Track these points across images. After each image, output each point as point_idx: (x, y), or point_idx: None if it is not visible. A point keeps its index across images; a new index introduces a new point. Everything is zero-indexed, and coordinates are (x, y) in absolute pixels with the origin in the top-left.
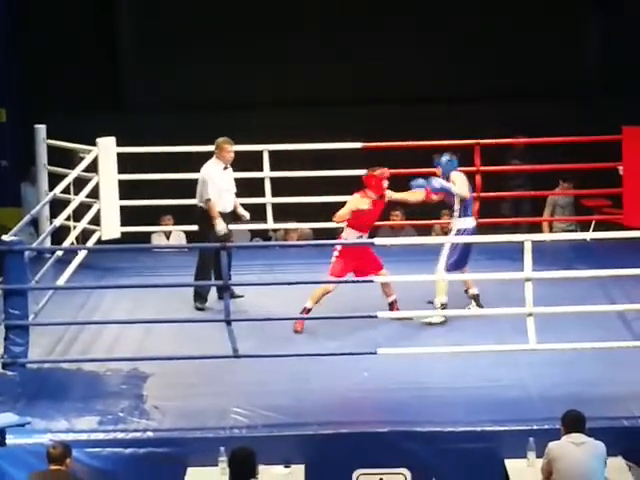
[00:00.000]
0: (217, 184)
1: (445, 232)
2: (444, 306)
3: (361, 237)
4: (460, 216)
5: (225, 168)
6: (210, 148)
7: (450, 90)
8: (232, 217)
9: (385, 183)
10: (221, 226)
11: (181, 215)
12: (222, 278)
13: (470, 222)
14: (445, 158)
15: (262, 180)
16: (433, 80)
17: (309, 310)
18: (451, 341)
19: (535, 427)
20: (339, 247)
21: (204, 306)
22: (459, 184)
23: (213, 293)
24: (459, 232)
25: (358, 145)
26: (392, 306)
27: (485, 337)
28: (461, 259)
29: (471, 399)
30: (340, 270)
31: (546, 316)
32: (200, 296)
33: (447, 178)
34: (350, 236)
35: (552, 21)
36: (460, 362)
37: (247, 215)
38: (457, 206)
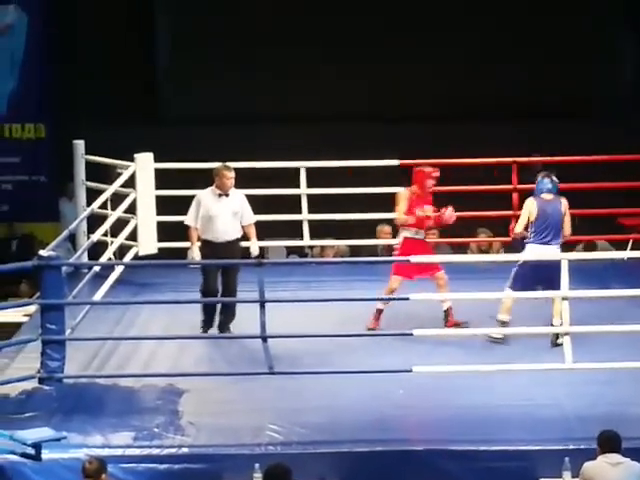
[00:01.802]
0: (204, 211)
1: (482, 251)
2: (504, 324)
3: (417, 233)
4: (532, 238)
5: (222, 195)
6: (250, 165)
7: (481, 107)
8: (233, 247)
9: (429, 182)
10: (195, 253)
11: None
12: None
13: (532, 254)
14: (539, 178)
15: (299, 197)
16: (469, 98)
17: (381, 311)
18: (487, 360)
19: (571, 447)
20: (398, 245)
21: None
22: (522, 214)
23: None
24: (519, 264)
25: (396, 162)
26: (447, 313)
27: (521, 356)
28: (525, 285)
29: (506, 418)
30: (401, 269)
31: (582, 335)
32: (206, 323)
33: None
34: (404, 233)
35: (586, 37)
36: (496, 381)
37: (255, 252)
38: (530, 228)
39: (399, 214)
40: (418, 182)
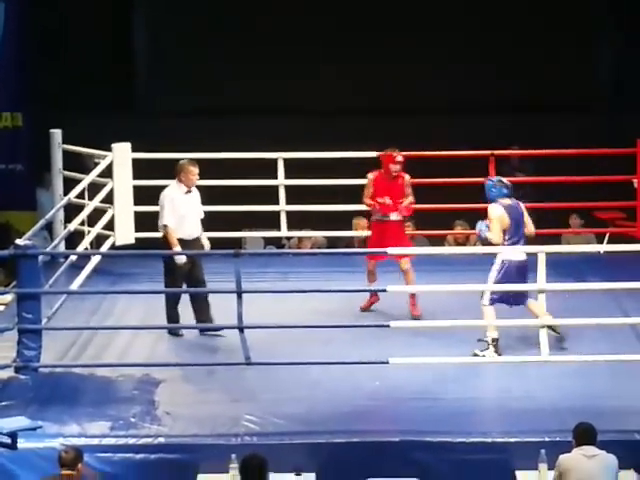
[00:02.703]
0: (177, 209)
1: (458, 243)
2: (495, 341)
3: (385, 215)
4: (507, 244)
5: (188, 192)
6: (228, 155)
7: (463, 102)
8: (199, 244)
9: (393, 167)
10: (180, 255)
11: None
12: (200, 308)
13: (517, 254)
14: (490, 184)
15: (276, 188)
16: (449, 92)
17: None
18: (463, 352)
19: (546, 439)
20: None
21: (180, 334)
22: (494, 224)
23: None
24: (503, 263)
25: (374, 154)
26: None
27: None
28: (507, 296)
29: (482, 410)
30: (373, 243)
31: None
32: (171, 320)
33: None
34: (373, 217)
35: (566, 36)
36: (472, 373)
37: (207, 246)
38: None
39: (364, 197)
40: (384, 166)
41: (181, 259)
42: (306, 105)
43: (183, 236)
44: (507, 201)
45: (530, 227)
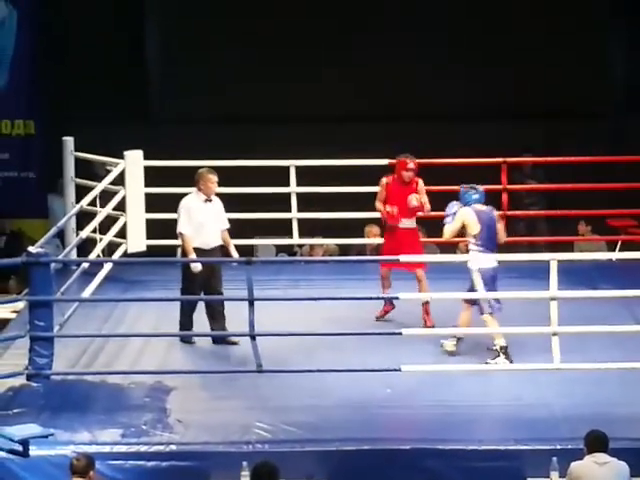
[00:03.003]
0: (194, 218)
1: (469, 251)
2: (504, 349)
3: (397, 224)
4: (479, 251)
5: (207, 200)
6: (237, 163)
7: (469, 108)
8: (221, 253)
9: (406, 173)
10: (195, 263)
11: None
12: (215, 318)
13: (489, 261)
14: (462, 189)
15: (288, 195)
16: (463, 98)
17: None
18: (475, 359)
19: (558, 447)
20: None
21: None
22: (456, 221)
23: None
24: (480, 271)
25: (385, 162)
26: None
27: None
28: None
29: (494, 418)
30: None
31: (570, 336)
32: (184, 326)
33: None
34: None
35: (575, 39)
36: (484, 380)
37: (235, 255)
38: (471, 239)
39: (377, 201)
40: (397, 172)
41: (196, 267)
42: (319, 112)
43: (200, 245)
44: (480, 207)
45: (502, 235)
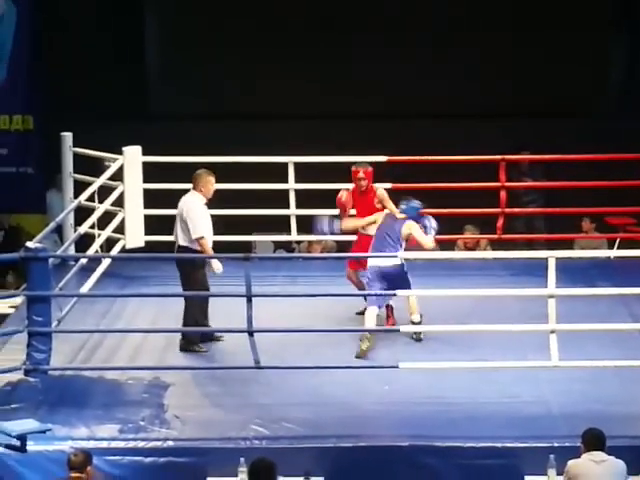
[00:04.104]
0: (207, 220)
1: (468, 248)
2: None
3: (363, 229)
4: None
5: (205, 202)
6: (236, 159)
7: (467, 107)
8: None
9: (359, 182)
10: (218, 264)
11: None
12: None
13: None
14: (408, 203)
15: (286, 192)
16: (461, 96)
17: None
18: (473, 357)
19: (556, 444)
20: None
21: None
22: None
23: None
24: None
25: (383, 158)
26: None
27: (506, 353)
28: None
29: (492, 415)
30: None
31: (568, 333)
32: (192, 342)
33: None
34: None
35: (574, 37)
36: (481, 378)
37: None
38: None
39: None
40: (354, 181)
41: (219, 268)
42: (318, 109)
43: (211, 246)
44: (400, 215)
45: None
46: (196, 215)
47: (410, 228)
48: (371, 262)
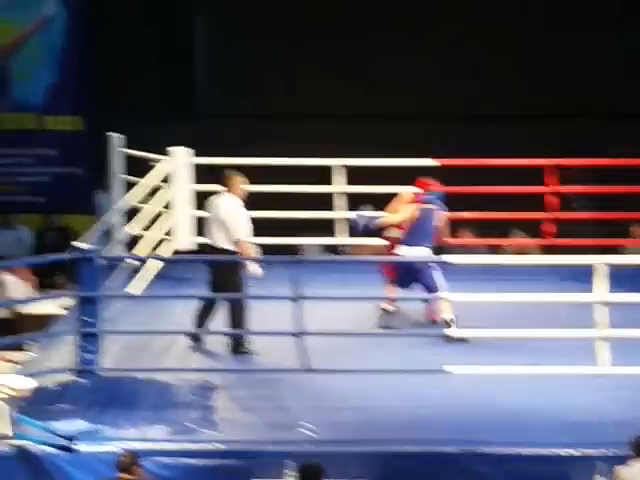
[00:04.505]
0: (245, 222)
1: (516, 252)
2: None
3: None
4: None
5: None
6: (280, 161)
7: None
8: None
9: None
10: (256, 267)
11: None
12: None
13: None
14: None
15: (331, 194)
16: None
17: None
18: (522, 362)
19: (605, 451)
20: None
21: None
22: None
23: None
24: None
25: (435, 163)
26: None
27: (557, 359)
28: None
29: (542, 422)
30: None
31: (620, 340)
32: (241, 344)
33: None
34: None
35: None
36: (531, 384)
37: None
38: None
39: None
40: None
41: (258, 272)
42: (366, 110)
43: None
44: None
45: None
46: (236, 217)
47: (441, 220)
48: (403, 251)
